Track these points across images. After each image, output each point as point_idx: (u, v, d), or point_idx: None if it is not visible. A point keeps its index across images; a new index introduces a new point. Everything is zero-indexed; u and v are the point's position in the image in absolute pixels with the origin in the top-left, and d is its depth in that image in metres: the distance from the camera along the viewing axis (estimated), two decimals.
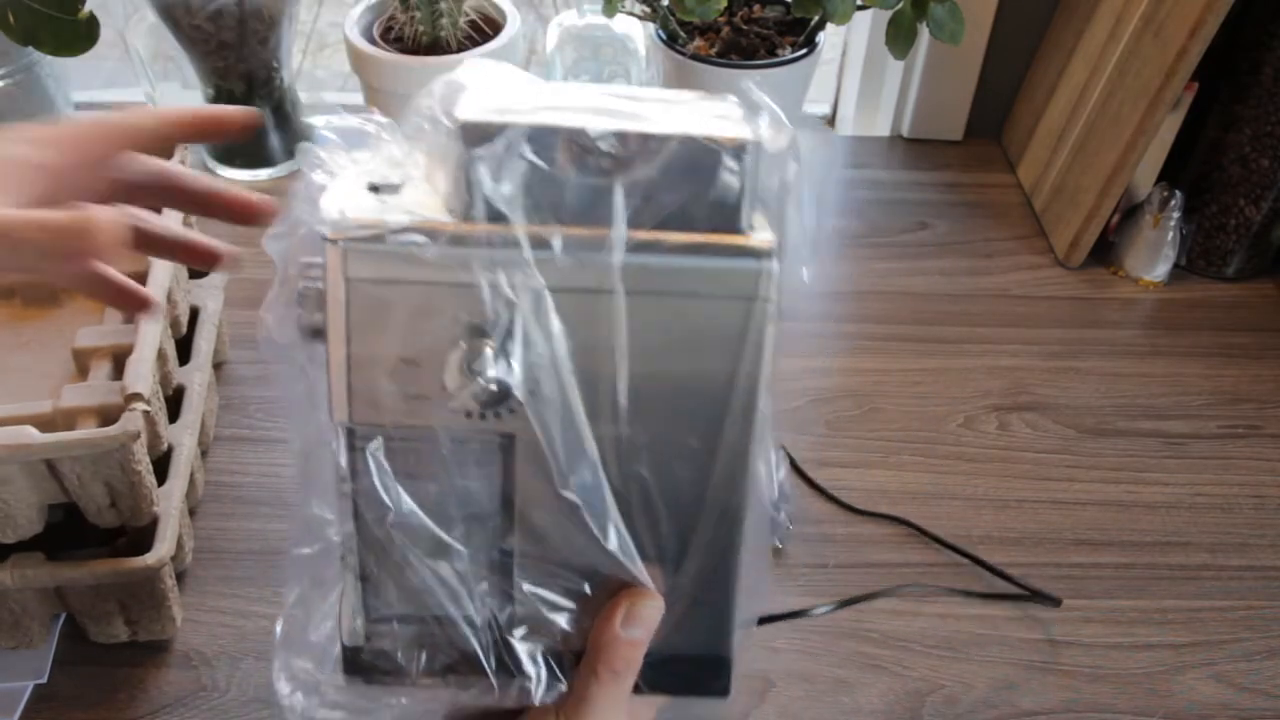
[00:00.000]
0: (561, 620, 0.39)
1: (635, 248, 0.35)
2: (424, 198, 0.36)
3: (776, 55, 0.83)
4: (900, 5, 0.77)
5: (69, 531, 0.55)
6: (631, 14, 0.85)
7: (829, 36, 0.85)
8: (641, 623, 0.38)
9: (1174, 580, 0.63)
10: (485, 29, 0.86)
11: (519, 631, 0.40)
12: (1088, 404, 0.74)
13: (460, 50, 0.84)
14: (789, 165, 0.37)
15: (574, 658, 0.39)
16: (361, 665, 0.41)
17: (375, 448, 0.37)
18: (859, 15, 0.84)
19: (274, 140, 0.91)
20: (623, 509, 0.37)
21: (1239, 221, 0.82)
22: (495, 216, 0.34)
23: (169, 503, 0.56)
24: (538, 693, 0.39)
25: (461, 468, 0.37)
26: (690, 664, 0.41)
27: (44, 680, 0.56)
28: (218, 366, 0.74)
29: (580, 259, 0.35)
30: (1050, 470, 0.69)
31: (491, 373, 0.35)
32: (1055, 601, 0.60)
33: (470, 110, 0.34)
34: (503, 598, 0.39)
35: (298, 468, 0.40)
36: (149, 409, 0.54)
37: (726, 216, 0.35)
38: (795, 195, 0.37)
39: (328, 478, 0.38)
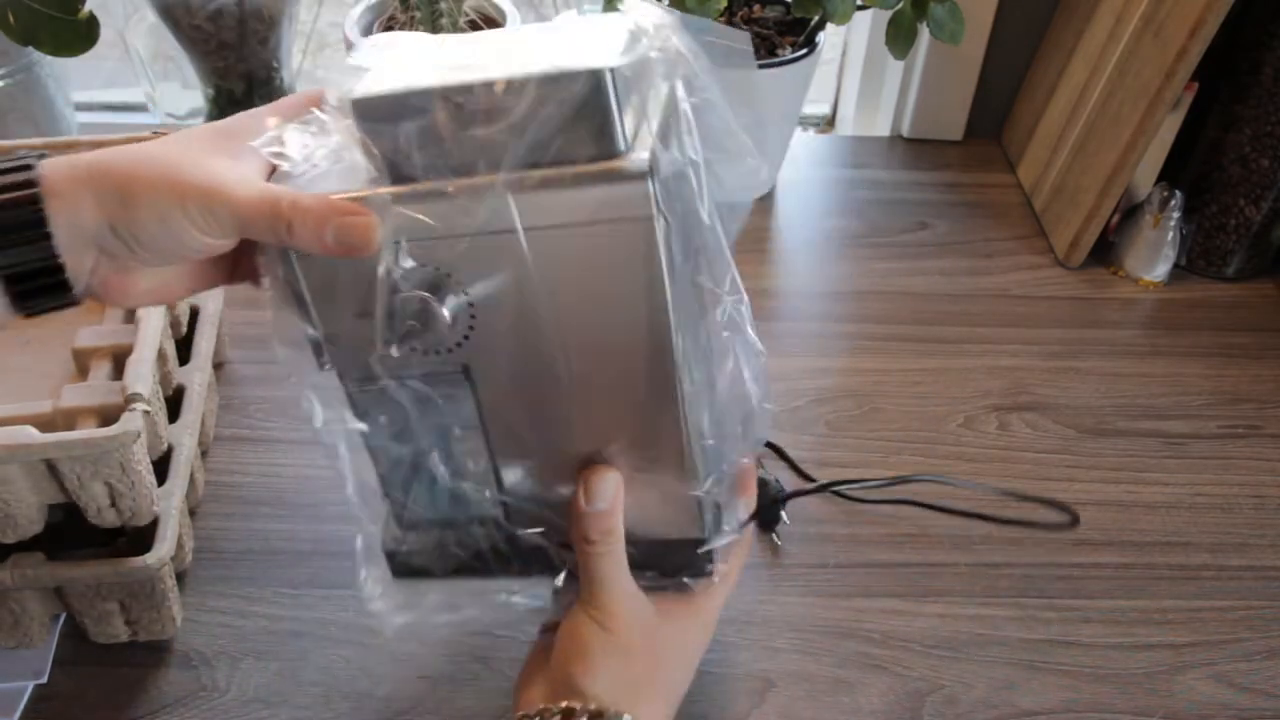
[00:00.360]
0: (550, 509, 0.46)
1: (521, 187, 0.37)
2: (356, 169, 0.40)
3: (776, 55, 0.83)
4: (900, 5, 0.77)
5: (69, 531, 0.55)
6: None
7: (829, 36, 0.85)
8: (601, 494, 0.44)
9: (1174, 580, 0.63)
10: (485, 29, 0.86)
11: (521, 527, 0.46)
12: (1088, 404, 0.74)
13: None
14: (678, 79, 0.39)
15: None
16: (401, 566, 0.49)
17: (354, 388, 0.43)
18: (859, 15, 0.84)
19: None
20: (568, 407, 0.43)
21: (1239, 221, 0.82)
22: (398, 179, 0.38)
23: (169, 503, 0.56)
24: (532, 576, 0.47)
25: (435, 398, 0.43)
26: (670, 547, 0.46)
27: (44, 680, 0.56)
28: (218, 366, 0.74)
29: (471, 207, 0.38)
30: (1050, 470, 0.69)
31: (414, 320, 0.40)
32: (1072, 517, 0.57)
33: (360, 86, 0.38)
34: (498, 499, 0.46)
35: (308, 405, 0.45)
36: (149, 409, 0.54)
37: (601, 140, 0.37)
38: (711, 106, 0.40)
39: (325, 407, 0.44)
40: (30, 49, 0.75)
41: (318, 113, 0.41)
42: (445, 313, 0.40)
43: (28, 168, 0.38)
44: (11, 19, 0.71)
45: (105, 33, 0.74)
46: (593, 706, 0.43)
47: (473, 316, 0.41)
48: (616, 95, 0.37)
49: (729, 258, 0.43)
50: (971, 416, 0.73)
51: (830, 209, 0.92)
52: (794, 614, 0.61)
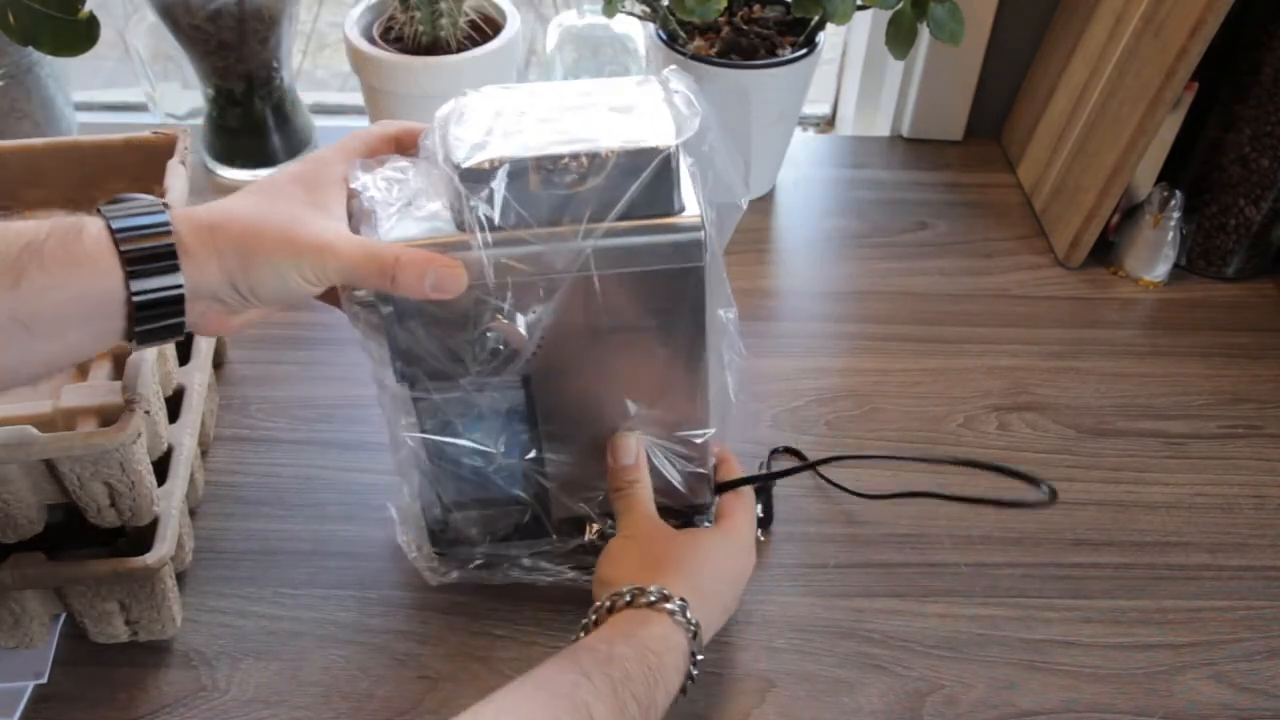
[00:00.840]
0: (586, 483, 0.56)
1: (601, 235, 0.47)
2: (434, 216, 0.48)
3: (776, 55, 0.83)
4: (900, 5, 0.77)
5: (69, 531, 0.55)
6: (631, 14, 0.85)
7: (829, 36, 0.85)
8: (626, 452, 0.55)
9: (1174, 580, 0.63)
10: (485, 29, 0.86)
11: (553, 504, 0.57)
12: (1088, 404, 0.74)
13: (460, 50, 0.84)
14: (707, 134, 0.48)
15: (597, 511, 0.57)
16: (443, 539, 0.59)
17: (422, 395, 0.52)
18: (859, 15, 0.84)
19: (274, 140, 0.91)
20: (614, 402, 0.53)
21: (1239, 221, 0.82)
22: (494, 227, 0.46)
23: (169, 503, 0.56)
24: (569, 540, 0.58)
25: (497, 401, 0.52)
26: (678, 512, 0.58)
27: (44, 680, 0.56)
28: (218, 367, 0.74)
29: (556, 250, 0.47)
30: (1050, 470, 0.69)
31: (494, 335, 0.49)
32: (1049, 494, 0.56)
33: (462, 153, 0.46)
34: (539, 481, 0.56)
35: (385, 406, 0.53)
36: (149, 409, 0.54)
37: (663, 202, 0.47)
38: (715, 152, 0.49)
39: (397, 414, 0.53)
40: (30, 49, 0.75)
41: (401, 160, 0.50)
42: (527, 338, 0.48)
43: (165, 224, 0.42)
44: (11, 19, 0.71)
45: (105, 32, 0.74)
46: (613, 591, 0.50)
47: (542, 339, 0.49)
48: (677, 166, 0.47)
49: (724, 277, 0.52)
50: (971, 416, 0.73)
51: (830, 209, 0.92)
52: (794, 614, 0.61)
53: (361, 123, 0.94)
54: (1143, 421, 0.73)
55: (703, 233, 0.47)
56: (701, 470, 0.57)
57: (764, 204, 0.92)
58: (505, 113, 0.48)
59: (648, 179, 0.46)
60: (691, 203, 0.48)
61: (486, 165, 0.45)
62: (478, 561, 0.60)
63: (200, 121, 0.92)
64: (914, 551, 0.64)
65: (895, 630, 0.60)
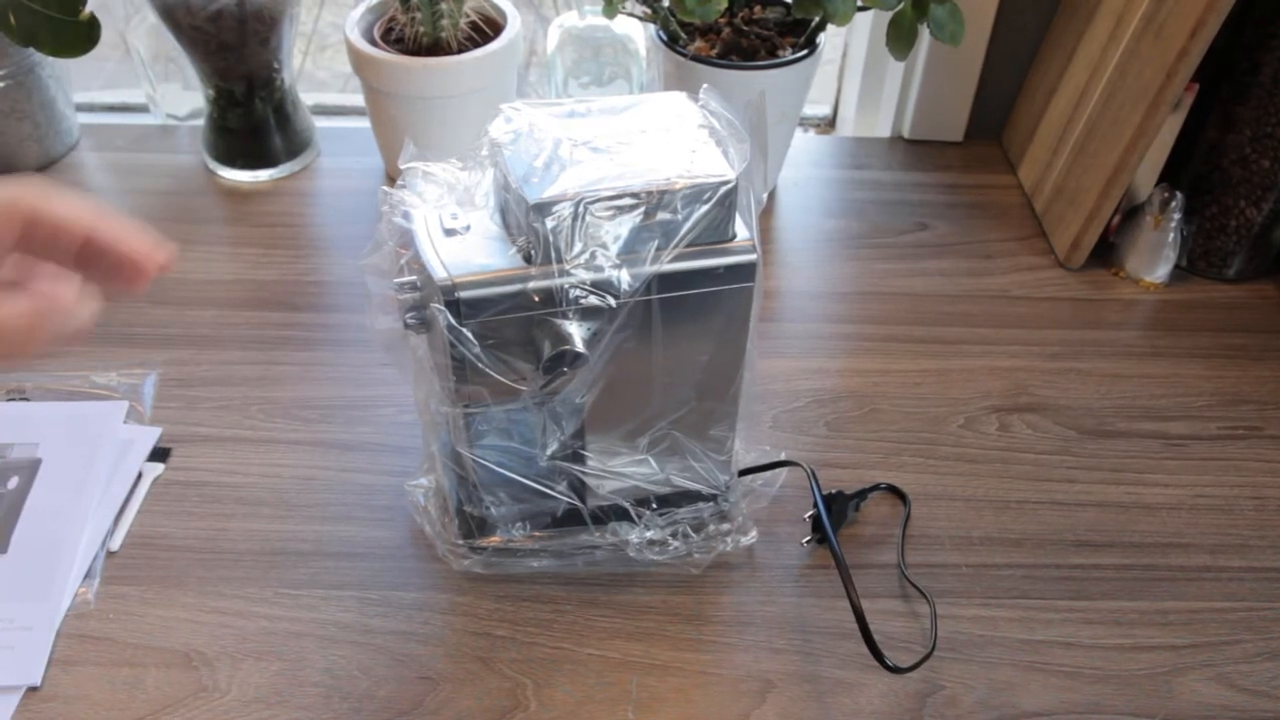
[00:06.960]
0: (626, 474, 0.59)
1: (665, 261, 0.50)
2: (492, 238, 0.50)
3: (777, 56, 0.83)
4: (901, 6, 0.77)
5: None
6: (632, 15, 0.85)
7: (829, 37, 0.85)
8: None
9: (1174, 581, 0.63)
10: (486, 30, 0.86)
11: (590, 495, 0.59)
12: (1088, 405, 0.74)
13: (461, 52, 0.84)
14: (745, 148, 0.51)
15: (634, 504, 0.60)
16: (474, 529, 0.61)
17: (478, 414, 0.54)
18: (859, 16, 0.84)
19: (275, 141, 0.91)
20: (658, 403, 0.56)
21: (1239, 223, 0.82)
22: (559, 256, 0.49)
23: None
24: (606, 527, 0.60)
25: (553, 413, 0.55)
26: (693, 495, 0.62)
27: (37, 684, 0.56)
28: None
29: (623, 277, 0.49)
30: (1050, 471, 0.69)
31: (566, 368, 0.50)
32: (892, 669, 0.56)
33: (535, 189, 0.48)
34: (576, 476, 0.58)
35: (421, 415, 0.58)
36: None
37: (721, 228, 0.51)
38: (752, 165, 0.51)
39: (439, 422, 0.56)
40: (31, 50, 0.75)
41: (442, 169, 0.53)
42: (592, 360, 0.50)
43: None
44: (12, 20, 0.71)
45: (106, 33, 0.74)
46: None
47: (601, 357, 0.51)
48: (736, 195, 0.50)
49: None
50: (972, 418, 0.73)
51: (830, 209, 0.92)
52: (794, 614, 0.61)
53: (362, 124, 0.94)
54: (1143, 422, 0.73)
55: (756, 255, 0.51)
56: (723, 458, 0.60)
57: (764, 204, 0.92)
58: (561, 140, 0.50)
59: (710, 209, 0.49)
60: (743, 227, 0.51)
61: (558, 200, 0.48)
62: (501, 548, 0.61)
63: (201, 122, 0.92)
64: (914, 552, 0.64)
65: (895, 631, 0.60)
